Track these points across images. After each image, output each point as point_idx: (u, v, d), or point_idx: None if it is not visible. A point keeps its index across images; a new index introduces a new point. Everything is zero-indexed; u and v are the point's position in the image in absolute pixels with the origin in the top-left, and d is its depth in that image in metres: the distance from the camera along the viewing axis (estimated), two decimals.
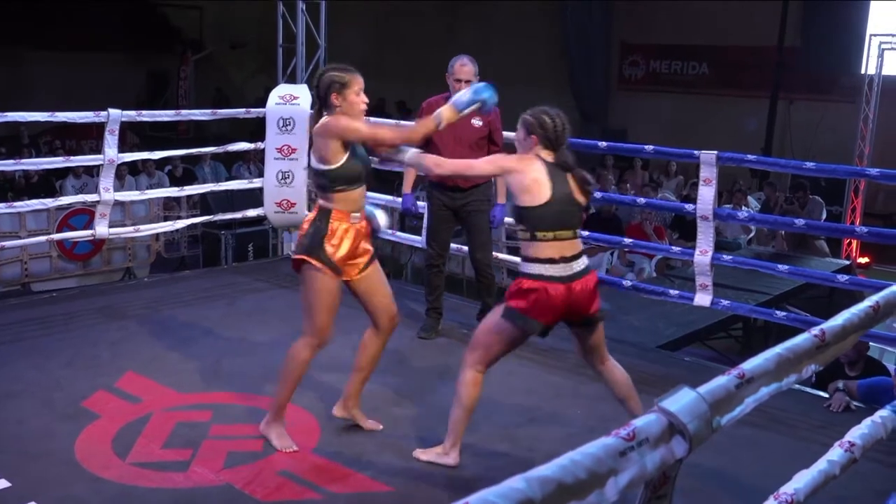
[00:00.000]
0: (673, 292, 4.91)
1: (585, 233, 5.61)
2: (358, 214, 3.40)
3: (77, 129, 12.09)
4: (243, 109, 6.44)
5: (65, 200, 6.06)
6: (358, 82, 3.34)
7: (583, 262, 3.14)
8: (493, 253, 5.23)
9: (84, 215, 7.12)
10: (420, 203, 5.26)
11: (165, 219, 7.97)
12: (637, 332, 6.06)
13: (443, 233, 4.93)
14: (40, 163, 6.81)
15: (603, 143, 5.35)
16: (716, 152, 4.49)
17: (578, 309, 3.12)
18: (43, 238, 6.24)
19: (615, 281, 5.57)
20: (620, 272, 8.51)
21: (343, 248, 3.33)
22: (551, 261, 3.05)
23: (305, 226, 3.41)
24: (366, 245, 3.47)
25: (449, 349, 4.74)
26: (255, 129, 6.62)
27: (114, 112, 5.37)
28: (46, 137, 13.27)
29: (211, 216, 6.70)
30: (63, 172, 10.45)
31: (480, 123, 4.66)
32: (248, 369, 4.28)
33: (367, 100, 3.39)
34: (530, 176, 3.06)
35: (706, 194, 4.52)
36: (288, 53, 7.39)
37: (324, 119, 3.35)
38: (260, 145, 6.40)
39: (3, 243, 6.09)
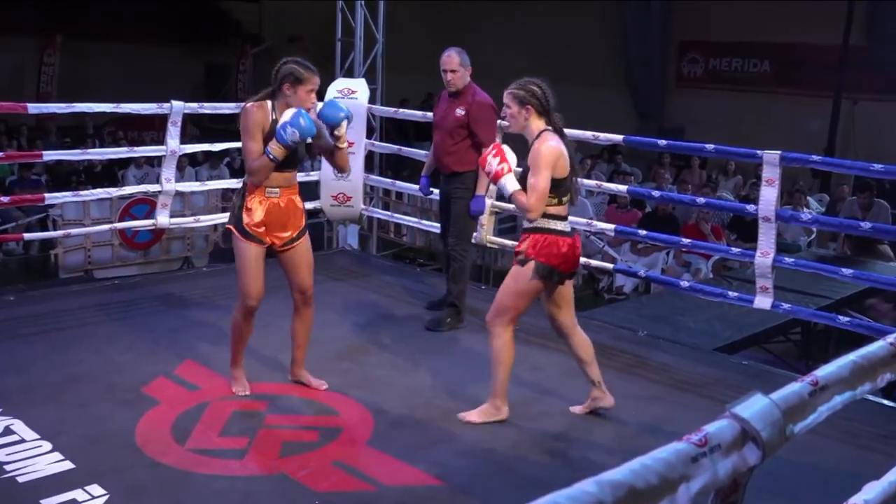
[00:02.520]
0: (731, 294, 4.83)
1: (642, 232, 5.56)
2: (276, 189, 3.66)
3: (139, 120, 12.32)
4: None
5: (127, 190, 6.20)
6: (313, 82, 3.60)
7: None
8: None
9: (145, 205, 7.25)
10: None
11: (223, 210, 8.07)
12: (693, 334, 5.97)
13: (442, 214, 5.23)
14: (105, 153, 6.98)
15: (662, 142, 5.28)
16: (779, 152, 4.39)
17: (576, 262, 3.59)
18: (105, 227, 6.37)
19: (671, 281, 5.50)
20: (676, 273, 8.39)
21: (256, 215, 3.63)
22: (563, 218, 3.52)
23: (234, 198, 3.78)
24: (293, 221, 3.74)
25: None
26: None
27: (176, 104, 5.46)
28: (110, 128, 13.55)
29: None
30: (125, 162, 10.67)
31: (462, 113, 4.91)
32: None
33: (315, 99, 3.65)
34: (563, 156, 3.45)
35: (768, 195, 4.43)
36: (346, 48, 7.44)
37: (246, 106, 3.62)
38: None
39: (69, 231, 6.25)
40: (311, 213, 7.32)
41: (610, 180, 10.45)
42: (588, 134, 5.26)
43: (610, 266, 6.19)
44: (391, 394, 3.93)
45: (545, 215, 3.45)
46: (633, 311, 6.65)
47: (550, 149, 3.40)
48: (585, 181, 7.97)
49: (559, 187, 3.46)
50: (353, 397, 3.88)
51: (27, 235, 6.78)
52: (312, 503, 2.99)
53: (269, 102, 3.62)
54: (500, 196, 5.00)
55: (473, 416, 3.65)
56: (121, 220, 7.27)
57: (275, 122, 3.58)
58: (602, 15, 14.95)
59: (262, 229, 3.67)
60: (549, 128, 3.48)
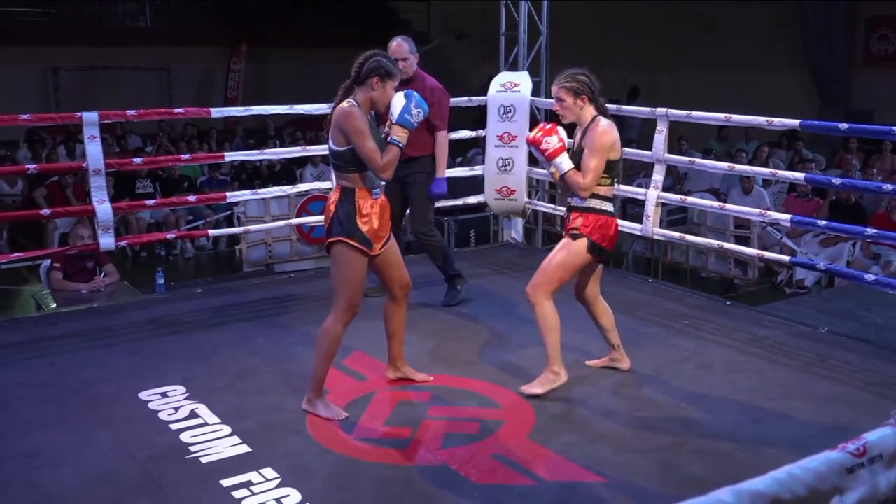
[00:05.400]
0: None
1: (821, 222, 5.22)
2: (378, 190, 3.57)
3: (316, 120, 12.82)
4: (465, 98, 6.56)
5: (303, 187, 6.49)
6: (398, 78, 3.59)
7: None
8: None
9: (320, 201, 7.57)
10: None
11: None
12: (880, 331, 5.55)
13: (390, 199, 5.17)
14: (279, 153, 7.32)
15: (844, 126, 4.93)
16: None
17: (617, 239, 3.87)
18: (282, 223, 6.71)
19: (855, 274, 5.15)
20: (864, 265, 7.84)
21: (374, 222, 3.54)
22: (611, 199, 3.79)
23: (332, 207, 3.55)
24: (387, 219, 3.65)
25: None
26: (479, 118, 6.74)
27: None
28: (290, 129, 14.24)
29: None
30: (303, 161, 11.18)
31: None
32: (466, 354, 4.37)
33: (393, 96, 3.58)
34: (618, 140, 3.71)
35: None
36: (510, 42, 7.45)
37: (346, 107, 3.46)
38: (481, 133, 6.51)
39: (248, 227, 6.62)
40: (476, 207, 7.43)
41: (790, 168, 9.91)
42: (761, 119, 5.01)
43: (786, 258, 5.87)
44: (552, 388, 3.91)
45: (599, 196, 3.72)
46: (813, 307, 6.28)
47: (609, 135, 3.65)
48: (760, 169, 7.61)
49: (613, 169, 3.73)
50: (515, 390, 3.89)
51: (212, 232, 7.24)
52: (472, 495, 3.02)
53: (354, 101, 3.50)
54: (668, 188, 4.86)
55: (536, 388, 3.78)
56: (298, 216, 7.64)
57: (369, 116, 3.53)
58: None
59: (378, 236, 3.58)
60: (598, 113, 3.71)
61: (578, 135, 3.79)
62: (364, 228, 3.52)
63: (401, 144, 3.49)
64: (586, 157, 3.66)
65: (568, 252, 3.75)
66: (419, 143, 5.04)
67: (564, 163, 3.67)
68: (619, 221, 6.13)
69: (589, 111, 3.72)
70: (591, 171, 3.64)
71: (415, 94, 3.55)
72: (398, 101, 3.51)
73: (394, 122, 3.50)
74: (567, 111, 3.74)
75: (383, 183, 3.60)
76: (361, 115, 3.46)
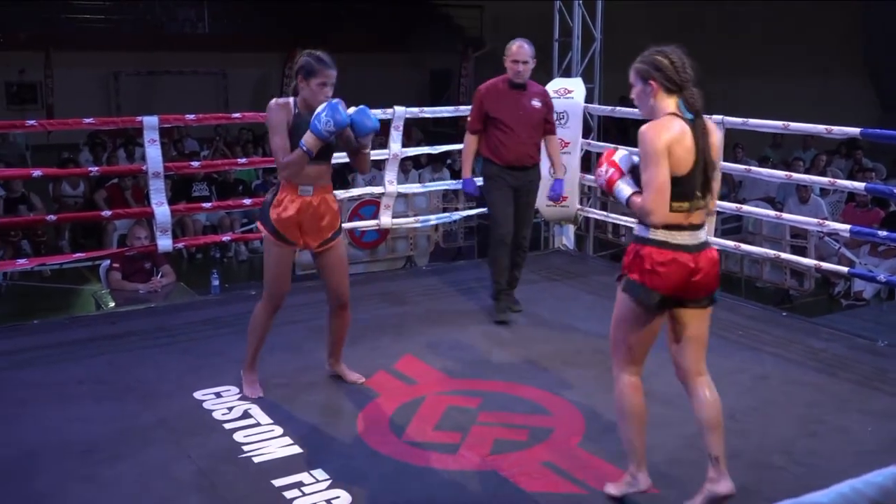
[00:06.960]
0: None
1: (882, 232, 5.10)
2: (309, 188, 3.56)
3: None
4: None
5: (355, 192, 6.55)
6: (325, 75, 3.50)
7: (706, 232, 2.82)
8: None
9: (372, 206, 7.61)
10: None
11: (444, 211, 8.31)
12: None
13: (509, 210, 5.03)
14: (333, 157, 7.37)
15: None
16: None
17: (699, 285, 2.75)
18: None
19: None
20: None
21: (287, 211, 3.54)
22: (679, 227, 2.72)
23: (266, 196, 3.70)
24: (328, 221, 3.65)
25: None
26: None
27: (399, 109, 5.71)
28: None
29: (486, 208, 6.89)
30: None
31: (540, 104, 4.94)
32: (516, 360, 4.37)
33: (329, 93, 3.52)
34: (682, 144, 2.68)
35: None
36: (563, 48, 7.42)
37: (270, 102, 3.56)
38: None
39: None
40: None
41: (850, 177, 9.71)
42: (820, 128, 4.92)
43: (844, 269, 5.74)
44: (604, 396, 3.86)
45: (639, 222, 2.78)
46: (872, 319, 6.17)
47: (658, 132, 2.66)
48: (819, 178, 7.46)
49: (675, 186, 2.67)
50: (566, 398, 3.87)
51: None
52: (521, 501, 3.01)
53: (291, 99, 3.56)
54: (723, 196, 4.70)
55: (612, 489, 3.04)
56: (350, 220, 7.69)
57: (297, 115, 3.51)
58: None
59: (297, 230, 3.60)
60: (676, 112, 2.74)
61: None
62: (272, 216, 3.57)
63: (305, 148, 3.43)
64: (640, 172, 2.72)
65: (616, 304, 2.86)
66: (539, 149, 5.04)
67: (623, 190, 2.79)
68: None
69: (664, 104, 2.75)
70: (649, 188, 2.65)
71: (339, 104, 3.44)
72: (319, 108, 3.47)
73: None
74: (637, 101, 2.83)
75: (310, 186, 3.55)
76: (278, 112, 3.52)
